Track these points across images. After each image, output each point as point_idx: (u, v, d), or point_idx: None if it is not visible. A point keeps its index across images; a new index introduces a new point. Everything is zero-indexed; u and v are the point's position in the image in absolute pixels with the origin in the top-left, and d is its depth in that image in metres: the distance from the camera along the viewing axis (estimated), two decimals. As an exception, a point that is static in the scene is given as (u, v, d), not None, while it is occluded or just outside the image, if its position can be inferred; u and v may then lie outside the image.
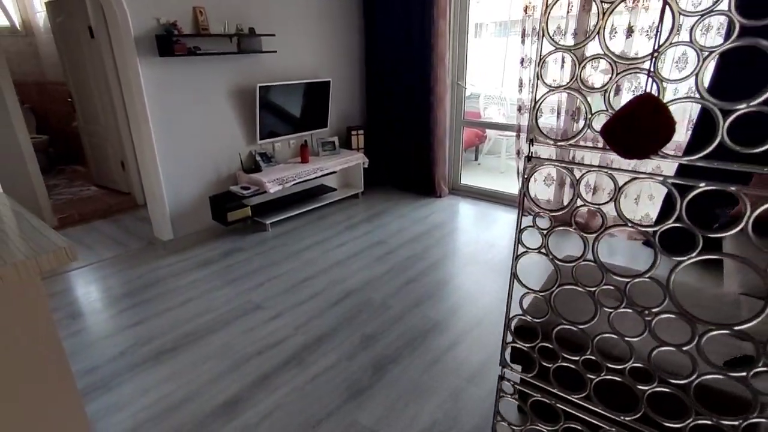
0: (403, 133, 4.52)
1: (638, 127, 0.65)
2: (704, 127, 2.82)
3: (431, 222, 3.84)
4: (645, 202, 3.34)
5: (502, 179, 5.11)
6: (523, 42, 3.55)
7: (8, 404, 1.46)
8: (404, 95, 4.40)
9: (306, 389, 1.96)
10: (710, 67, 2.64)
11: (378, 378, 2.02)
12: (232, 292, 2.77)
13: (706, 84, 2.80)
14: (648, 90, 0.66)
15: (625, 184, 0.87)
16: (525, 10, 3.51)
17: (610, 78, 0.74)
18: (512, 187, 4.21)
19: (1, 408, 1.44)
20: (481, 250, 3.27)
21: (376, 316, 2.49)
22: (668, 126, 0.66)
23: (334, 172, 4.19)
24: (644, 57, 0.69)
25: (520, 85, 3.64)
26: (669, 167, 2.93)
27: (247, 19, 3.60)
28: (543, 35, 0.82)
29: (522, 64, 3.61)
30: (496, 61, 6.31)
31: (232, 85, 3.63)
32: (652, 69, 0.56)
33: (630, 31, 3.03)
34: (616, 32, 3.10)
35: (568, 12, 3.30)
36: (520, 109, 3.74)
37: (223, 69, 3.53)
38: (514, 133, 3.86)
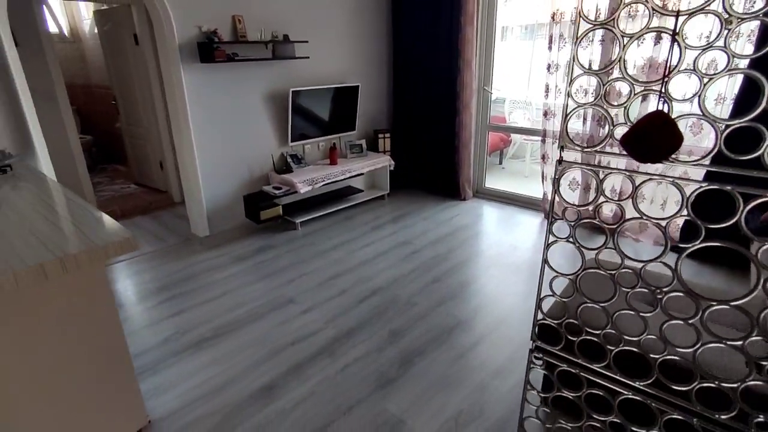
0: (429, 136, 4.61)
1: (650, 139, 0.73)
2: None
3: (455, 224, 3.92)
4: (672, 207, 3.34)
5: (527, 183, 5.14)
6: (549, 48, 3.60)
7: (76, 379, 1.62)
8: (430, 100, 4.49)
9: (337, 378, 2.08)
10: (740, 77, 2.65)
11: (405, 370, 2.12)
12: (266, 287, 2.92)
13: (736, 90, 2.81)
14: (659, 107, 0.75)
15: (642, 183, 0.95)
16: (552, 17, 3.56)
17: (628, 98, 0.82)
18: (536, 191, 4.24)
19: (69, 383, 1.61)
20: (504, 253, 3.33)
21: (402, 313, 2.59)
22: (675, 137, 0.74)
23: (361, 174, 4.31)
24: (656, 81, 0.78)
25: (546, 90, 3.69)
26: (698, 172, 2.94)
27: (282, 27, 3.76)
28: (573, 61, 0.92)
29: (548, 70, 3.66)
30: (522, 66, 6.32)
31: (266, 90, 3.80)
32: (663, 90, 0.64)
33: (658, 38, 3.05)
34: (643, 39, 3.12)
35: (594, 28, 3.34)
36: (546, 114, 3.78)
37: (258, 74, 3.70)
38: (539, 138, 3.91)
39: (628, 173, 0.92)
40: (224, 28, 3.44)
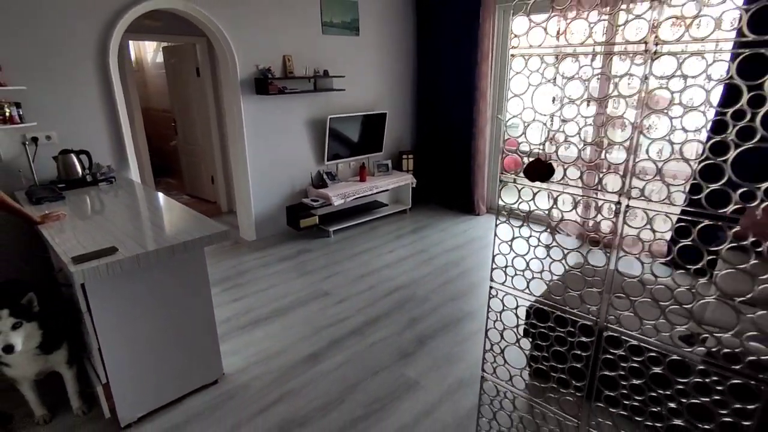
0: (448, 158, 5.18)
1: (536, 169, 1.27)
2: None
3: (469, 236, 4.44)
4: (660, 225, 3.76)
5: (537, 200, 5.60)
6: (554, 83, 4.13)
7: (182, 334, 2.21)
8: (449, 126, 5.08)
9: (367, 351, 2.62)
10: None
11: (420, 347, 2.64)
12: (306, 282, 3.49)
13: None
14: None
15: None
16: (557, 57, 4.10)
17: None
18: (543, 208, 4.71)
19: (177, 336, 2.19)
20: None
21: (419, 306, 3.12)
22: (548, 169, 1.29)
23: (386, 190, 4.90)
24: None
25: (551, 119, 4.21)
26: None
27: (323, 63, 4.43)
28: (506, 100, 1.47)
29: (553, 102, 4.18)
30: (535, 96, 6.84)
31: (308, 116, 4.45)
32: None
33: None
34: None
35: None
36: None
37: (302, 103, 4.37)
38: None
39: (536, 189, 1.45)
40: (276, 66, 4.12)
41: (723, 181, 1.01)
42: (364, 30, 4.70)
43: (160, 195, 2.84)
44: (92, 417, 2.12)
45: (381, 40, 4.88)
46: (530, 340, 1.80)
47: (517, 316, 1.52)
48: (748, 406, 0.98)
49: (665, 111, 1.07)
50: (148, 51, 6.75)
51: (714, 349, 1.00)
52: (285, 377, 2.41)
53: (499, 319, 1.54)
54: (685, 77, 1.00)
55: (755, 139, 0.95)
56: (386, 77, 5.06)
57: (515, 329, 1.50)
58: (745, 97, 0.95)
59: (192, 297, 2.18)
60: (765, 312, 0.94)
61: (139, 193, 2.92)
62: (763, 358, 0.97)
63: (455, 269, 3.70)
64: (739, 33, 1.27)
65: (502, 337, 1.56)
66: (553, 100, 1.69)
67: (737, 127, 0.98)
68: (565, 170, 1.32)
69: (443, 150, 5.22)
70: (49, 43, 2.93)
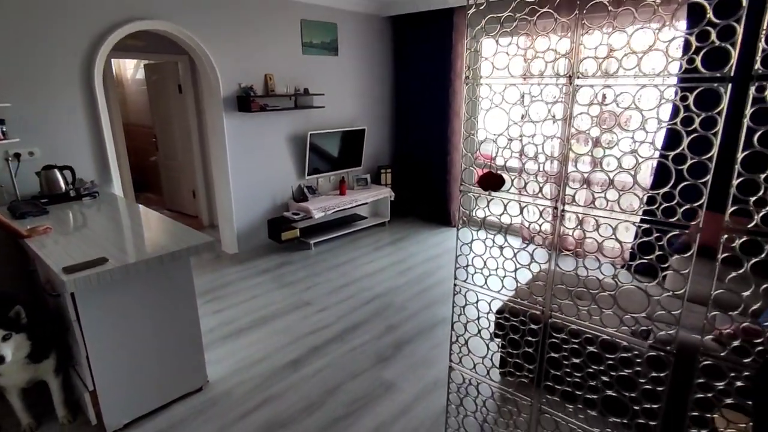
0: (425, 172, 5.39)
1: (487, 180, 1.45)
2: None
3: (444, 247, 4.62)
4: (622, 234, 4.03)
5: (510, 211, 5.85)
6: (522, 103, 4.40)
7: (168, 341, 2.29)
8: (426, 141, 5.30)
9: (346, 356, 2.73)
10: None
11: (397, 352, 2.78)
12: (287, 292, 3.60)
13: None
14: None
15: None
16: (524, 77, 4.38)
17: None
18: (516, 219, 4.95)
19: (164, 343, 2.27)
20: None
21: (397, 313, 3.26)
22: (497, 180, 1.47)
23: (365, 204, 5.06)
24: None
25: (520, 136, 4.46)
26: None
27: (304, 82, 4.60)
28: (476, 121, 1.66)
29: (522, 118, 4.45)
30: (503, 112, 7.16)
31: (289, 133, 4.60)
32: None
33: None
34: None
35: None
36: (521, 157, 4.55)
37: (283, 120, 4.52)
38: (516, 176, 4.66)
39: (488, 197, 1.63)
40: (258, 84, 4.27)
41: (630, 188, 1.20)
42: (343, 50, 4.90)
43: (145, 208, 2.92)
44: (78, 424, 2.18)
45: (359, 60, 5.10)
46: (489, 330, 1.97)
47: (478, 310, 1.68)
48: (661, 374, 1.16)
49: (586, 132, 1.27)
50: (128, 68, 6.81)
51: (633, 328, 1.18)
52: (267, 383, 2.50)
53: (463, 312, 1.70)
54: (600, 104, 1.20)
55: (653, 154, 1.14)
56: (365, 95, 5.27)
57: (477, 321, 1.67)
58: (648, 118, 1.15)
59: (178, 306, 2.27)
60: (669, 294, 1.13)
61: (124, 207, 2.99)
62: (670, 333, 1.15)
63: (431, 278, 3.86)
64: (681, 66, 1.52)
65: (465, 329, 1.72)
66: (522, 117, 1.87)
67: (637, 146, 1.18)
68: (512, 181, 1.50)
69: (420, 164, 5.43)
70: (34, 60, 3.01)
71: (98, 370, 2.02)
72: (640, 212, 1.27)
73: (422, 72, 5.14)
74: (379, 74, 5.37)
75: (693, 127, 1.04)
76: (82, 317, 1.92)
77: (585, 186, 1.34)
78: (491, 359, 1.68)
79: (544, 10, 1.34)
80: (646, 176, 3.74)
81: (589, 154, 1.31)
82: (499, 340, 1.65)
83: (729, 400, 1.10)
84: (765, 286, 1.01)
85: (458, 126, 5.01)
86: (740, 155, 1.00)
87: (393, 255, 4.41)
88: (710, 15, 0.97)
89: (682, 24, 2.76)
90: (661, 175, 3.58)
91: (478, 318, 1.68)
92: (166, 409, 2.29)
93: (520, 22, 1.42)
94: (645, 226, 1.24)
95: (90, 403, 2.06)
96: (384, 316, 3.22)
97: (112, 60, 6.42)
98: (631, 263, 1.42)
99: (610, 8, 1.18)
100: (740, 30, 0.94)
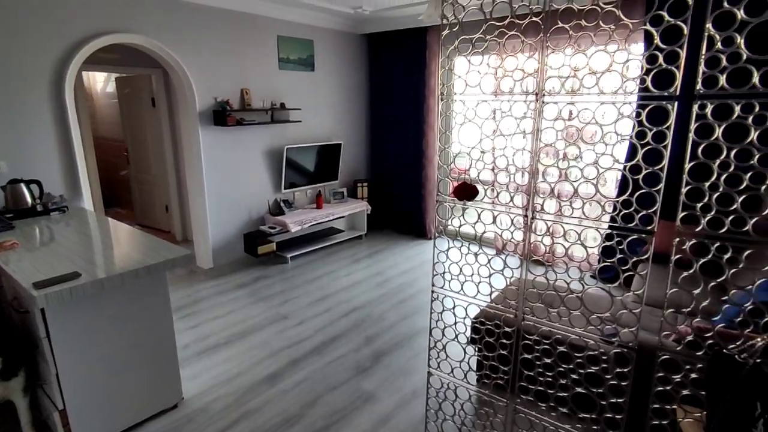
0: (400, 186, 5.48)
1: (463, 190, 1.54)
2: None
3: (421, 258, 4.69)
4: (589, 241, 4.21)
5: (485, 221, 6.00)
6: (494, 118, 4.57)
7: (143, 358, 2.25)
8: (401, 155, 5.40)
9: (325, 369, 2.73)
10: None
11: (376, 363, 2.80)
12: (264, 306, 3.57)
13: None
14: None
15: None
16: (495, 94, 4.56)
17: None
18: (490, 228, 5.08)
19: (139, 359, 2.23)
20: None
21: (375, 325, 3.28)
22: (472, 190, 1.56)
23: (342, 217, 5.09)
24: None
25: (493, 151, 4.62)
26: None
27: (280, 96, 4.65)
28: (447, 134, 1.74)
29: (493, 133, 4.61)
30: (476, 127, 7.40)
31: (265, 147, 4.61)
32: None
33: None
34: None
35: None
36: (493, 169, 4.70)
37: (259, 134, 4.53)
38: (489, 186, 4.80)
39: (463, 205, 1.72)
40: (234, 98, 4.28)
41: (592, 197, 1.29)
42: (320, 66, 4.98)
43: (117, 222, 2.87)
44: (45, 447, 2.09)
45: (336, 76, 5.19)
46: (466, 335, 2.04)
47: (455, 315, 1.74)
48: (624, 369, 1.25)
49: (552, 145, 1.37)
50: (98, 80, 6.69)
51: (599, 327, 1.26)
52: (245, 398, 2.47)
53: (440, 318, 1.75)
54: (564, 120, 1.30)
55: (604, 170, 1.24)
56: (341, 110, 5.35)
57: (454, 326, 1.73)
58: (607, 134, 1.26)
59: (153, 321, 2.24)
60: (630, 295, 1.22)
61: (94, 221, 2.93)
62: (632, 331, 1.23)
63: (409, 290, 3.91)
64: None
65: (443, 334, 1.78)
66: (494, 131, 1.96)
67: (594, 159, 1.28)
68: (485, 191, 1.58)
69: (396, 178, 5.52)
70: (3, 71, 2.95)
71: (68, 389, 1.96)
72: (606, 219, 1.36)
73: (397, 88, 5.27)
74: (355, 90, 5.47)
75: (646, 140, 1.14)
76: (52, 334, 1.87)
77: (553, 196, 1.43)
78: (468, 363, 1.73)
79: (512, 33, 1.44)
80: (612, 187, 3.93)
81: (556, 166, 1.40)
82: (476, 344, 1.71)
83: (686, 392, 1.19)
84: (712, 284, 1.11)
85: (432, 140, 5.14)
86: (687, 165, 1.11)
87: (370, 268, 4.44)
88: (657, 41, 1.09)
89: (640, 46, 2.96)
90: (623, 185, 3.78)
91: (455, 323, 1.73)
92: (140, 428, 2.23)
93: (491, 43, 1.52)
94: (608, 232, 1.33)
95: (59, 423, 1.98)
96: (362, 328, 3.24)
97: (83, 72, 6.31)
98: (597, 267, 1.50)
99: (570, 32, 1.29)
100: (683, 54, 1.05)
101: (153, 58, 3.90)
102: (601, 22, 1.18)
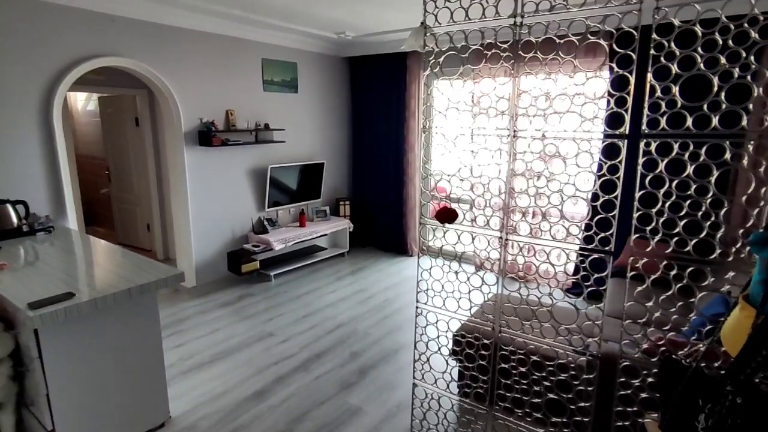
0: (382, 204, 5.63)
1: (444, 215, 1.69)
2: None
3: (403, 275, 4.81)
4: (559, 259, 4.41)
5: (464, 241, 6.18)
6: (471, 140, 4.79)
7: (131, 376, 2.28)
8: (382, 174, 5.56)
9: (311, 385, 2.80)
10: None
11: (362, 378, 2.88)
12: (249, 325, 3.61)
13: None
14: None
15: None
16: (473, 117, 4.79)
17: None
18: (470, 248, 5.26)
19: (127, 378, 2.26)
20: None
21: (360, 340, 3.37)
22: (452, 214, 1.71)
23: (325, 235, 5.18)
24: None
25: (471, 170, 4.83)
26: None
27: (264, 117, 4.76)
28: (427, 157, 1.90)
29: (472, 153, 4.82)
30: (455, 147, 7.65)
31: (249, 166, 4.70)
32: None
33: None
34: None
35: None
36: (471, 187, 4.90)
37: (243, 154, 4.62)
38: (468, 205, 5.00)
39: (452, 228, 1.86)
40: (219, 119, 4.37)
41: (558, 221, 1.45)
42: (303, 88, 5.13)
43: (103, 242, 2.91)
44: (32, 469, 2.09)
45: (318, 97, 5.34)
46: (448, 347, 2.17)
47: (438, 329, 1.87)
48: (590, 376, 1.39)
49: (524, 173, 1.53)
50: (79, 99, 6.66)
51: (566, 337, 1.41)
52: (232, 415, 2.52)
53: (424, 332, 1.87)
54: (533, 152, 1.47)
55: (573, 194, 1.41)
56: (324, 130, 5.49)
57: (437, 339, 1.85)
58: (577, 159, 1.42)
59: (143, 340, 2.28)
60: (594, 307, 1.37)
61: (80, 241, 2.95)
62: (595, 340, 1.38)
63: (392, 305, 4.01)
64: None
65: (427, 347, 1.89)
66: (473, 154, 2.10)
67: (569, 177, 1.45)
68: (464, 214, 1.72)
69: (377, 197, 5.67)
70: (-9, 96, 2.98)
71: (58, 409, 1.98)
72: (575, 240, 1.52)
73: (378, 109, 5.46)
74: (337, 111, 5.63)
75: (602, 172, 1.31)
76: (44, 354, 1.90)
77: (525, 218, 1.58)
78: (450, 374, 1.85)
79: (484, 66, 1.61)
80: (583, 212, 4.16)
81: (527, 192, 1.56)
82: (457, 356, 1.84)
83: (644, 395, 1.34)
84: (663, 296, 1.27)
85: (413, 160, 5.32)
86: (638, 194, 1.28)
87: (354, 284, 4.53)
88: (608, 88, 1.26)
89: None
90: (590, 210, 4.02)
91: (438, 336, 1.86)
92: (128, 448, 2.25)
93: (466, 69, 1.69)
94: (574, 252, 1.49)
95: (48, 444, 2.00)
96: (347, 344, 3.32)
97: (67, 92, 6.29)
98: (566, 281, 1.65)
99: (541, 66, 1.46)
100: (630, 100, 1.23)
101: (138, 79, 3.97)
102: (560, 70, 1.36)
